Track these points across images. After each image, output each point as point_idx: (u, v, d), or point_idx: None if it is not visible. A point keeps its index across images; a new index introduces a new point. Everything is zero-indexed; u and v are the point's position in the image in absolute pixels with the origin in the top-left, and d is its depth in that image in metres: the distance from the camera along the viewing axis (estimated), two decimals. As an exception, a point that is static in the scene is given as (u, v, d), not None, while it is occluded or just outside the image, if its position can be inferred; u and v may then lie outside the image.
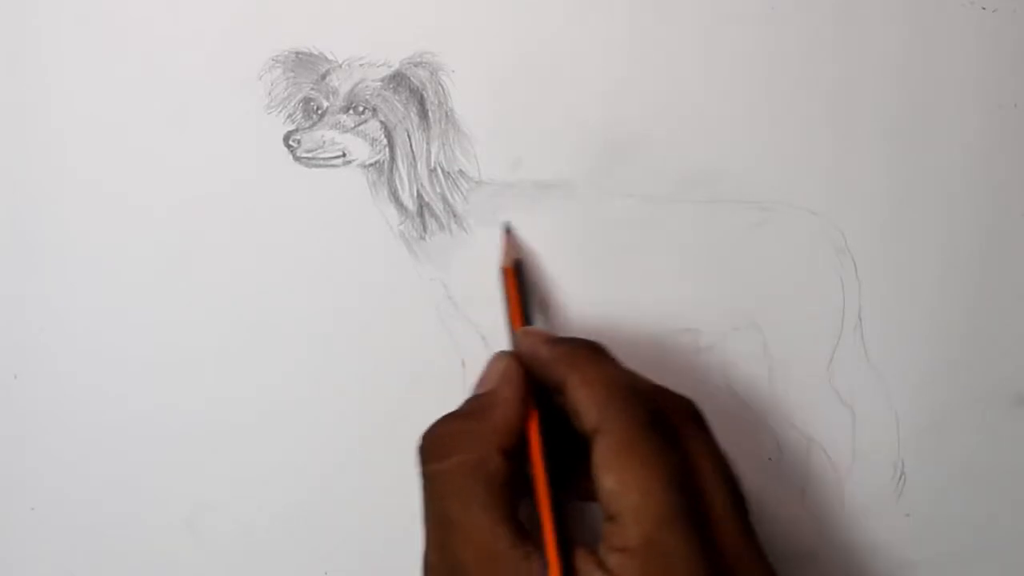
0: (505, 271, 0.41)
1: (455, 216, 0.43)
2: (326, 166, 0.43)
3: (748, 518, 0.36)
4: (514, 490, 0.36)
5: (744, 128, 0.43)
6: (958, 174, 0.44)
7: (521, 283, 0.41)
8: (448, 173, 0.43)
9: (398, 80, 0.43)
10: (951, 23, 0.44)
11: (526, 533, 0.35)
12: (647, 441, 0.35)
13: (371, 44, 0.43)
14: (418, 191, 0.43)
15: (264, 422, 0.43)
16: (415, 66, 0.43)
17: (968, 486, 0.43)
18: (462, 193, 0.43)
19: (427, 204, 0.43)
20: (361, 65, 0.43)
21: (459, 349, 0.43)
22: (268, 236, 0.43)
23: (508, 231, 0.43)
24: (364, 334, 0.43)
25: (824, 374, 0.43)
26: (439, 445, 0.37)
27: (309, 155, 0.43)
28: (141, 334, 0.43)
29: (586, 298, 0.43)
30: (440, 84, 0.43)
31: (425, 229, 0.43)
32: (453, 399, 0.42)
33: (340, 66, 0.43)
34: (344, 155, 0.43)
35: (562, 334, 0.39)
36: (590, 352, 0.38)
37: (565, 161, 0.43)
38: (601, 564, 0.34)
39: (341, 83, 0.43)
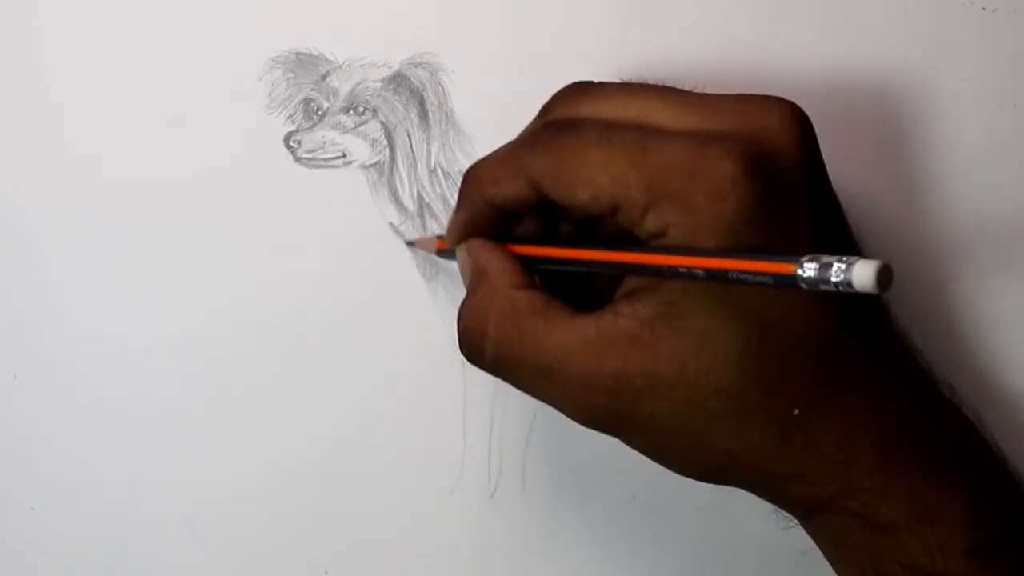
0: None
1: (455, 216, 0.43)
2: (326, 167, 0.43)
3: (687, 92, 0.36)
4: (561, 301, 0.35)
5: (744, 128, 0.43)
6: (958, 174, 0.44)
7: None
8: (448, 173, 0.43)
9: (398, 80, 0.43)
10: (951, 23, 0.44)
11: (597, 309, 0.35)
12: (563, 143, 0.34)
13: (371, 44, 0.43)
14: (418, 191, 0.43)
15: (263, 422, 0.43)
16: (415, 66, 0.43)
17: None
18: (462, 193, 0.43)
19: (427, 204, 0.43)
20: (361, 66, 0.43)
21: (459, 349, 0.43)
22: (268, 236, 0.43)
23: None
24: (364, 334, 0.43)
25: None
26: (473, 331, 0.36)
27: (309, 156, 0.43)
28: (141, 334, 0.43)
29: (586, 298, 0.43)
30: (440, 84, 0.43)
31: (425, 229, 0.43)
32: (453, 399, 0.43)
33: (340, 67, 0.43)
34: (344, 156, 0.43)
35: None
36: (473, 167, 0.37)
37: (565, 161, 0.43)
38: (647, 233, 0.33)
39: (341, 84, 0.43)
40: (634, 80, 0.40)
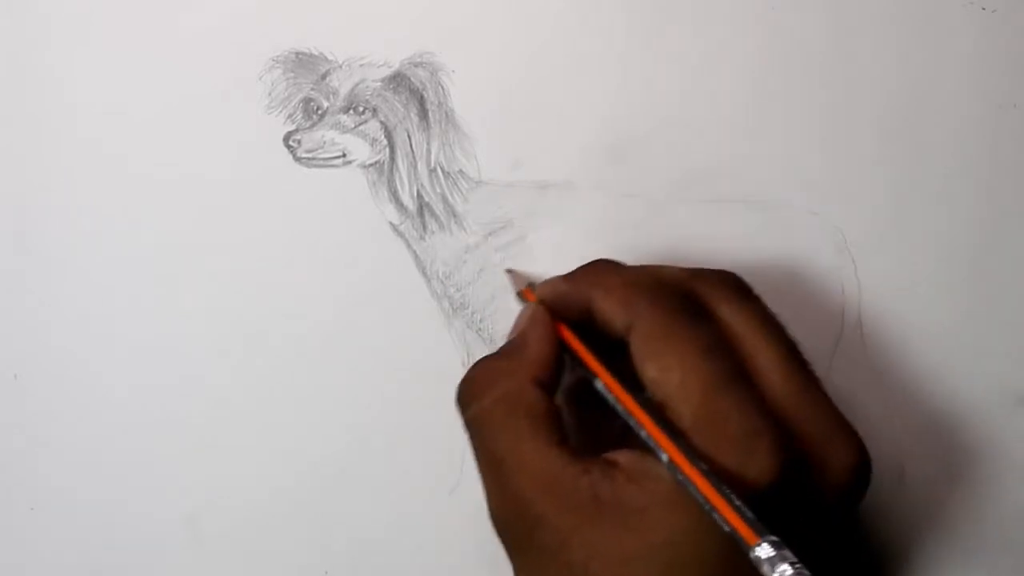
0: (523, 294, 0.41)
1: (455, 216, 0.43)
2: (326, 166, 0.43)
3: (807, 369, 0.36)
4: (558, 422, 0.35)
5: (744, 128, 0.43)
6: (958, 174, 0.44)
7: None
8: (448, 173, 0.43)
9: (398, 80, 0.43)
10: (951, 23, 0.44)
11: (579, 454, 0.34)
12: (677, 322, 0.35)
13: (371, 44, 0.43)
14: (418, 191, 0.43)
15: (264, 422, 0.43)
16: (415, 66, 0.43)
17: (968, 486, 0.43)
18: (462, 193, 0.43)
19: (427, 204, 0.43)
20: (361, 65, 0.43)
21: (459, 349, 0.43)
22: (268, 236, 0.43)
23: (509, 271, 0.43)
24: (364, 334, 0.43)
25: (824, 374, 0.43)
26: (475, 387, 0.37)
27: (309, 155, 0.43)
28: (141, 335, 0.43)
29: (586, 298, 0.43)
30: (440, 84, 0.43)
31: (425, 229, 0.43)
32: (453, 399, 0.43)
33: (340, 66, 0.43)
34: (344, 155, 0.43)
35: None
36: (605, 265, 0.38)
37: (565, 161, 0.43)
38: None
39: (341, 83, 0.43)
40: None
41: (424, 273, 0.43)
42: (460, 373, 0.43)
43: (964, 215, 0.44)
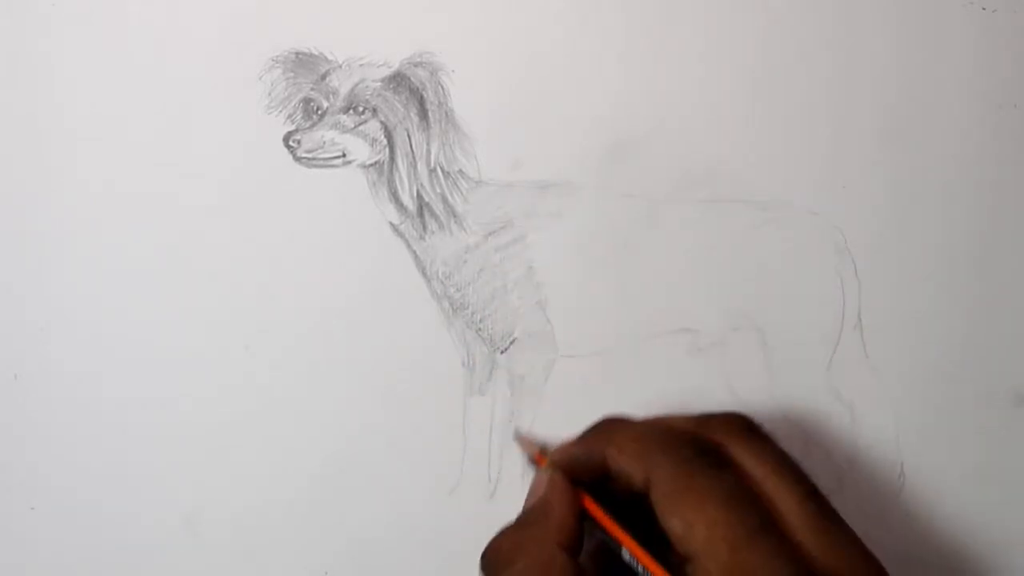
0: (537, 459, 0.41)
1: (455, 216, 0.43)
2: (326, 166, 0.43)
3: (826, 504, 0.36)
4: None
5: (744, 128, 0.43)
6: (958, 174, 0.44)
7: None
8: (448, 173, 0.43)
9: (398, 80, 0.43)
10: (951, 23, 0.44)
11: None
12: (695, 473, 0.35)
13: (371, 44, 0.43)
14: (418, 191, 0.43)
15: (263, 422, 0.43)
16: (415, 66, 0.43)
17: (968, 486, 0.43)
18: (462, 193, 0.43)
19: (427, 204, 0.43)
20: (361, 65, 0.43)
21: (459, 349, 0.43)
22: (268, 236, 0.43)
23: (519, 436, 0.43)
24: (364, 334, 0.43)
25: (824, 374, 0.43)
26: (502, 556, 0.37)
27: (309, 155, 0.43)
28: (141, 334, 0.43)
29: (586, 298, 0.43)
30: (440, 84, 0.43)
31: (425, 229, 0.43)
32: (453, 399, 0.43)
33: (340, 66, 0.43)
34: (344, 155, 0.43)
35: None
36: (614, 423, 0.38)
37: (565, 161, 0.43)
38: None
39: (341, 83, 0.43)
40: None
41: (424, 273, 0.43)
42: (460, 373, 0.43)
43: (964, 215, 0.44)
